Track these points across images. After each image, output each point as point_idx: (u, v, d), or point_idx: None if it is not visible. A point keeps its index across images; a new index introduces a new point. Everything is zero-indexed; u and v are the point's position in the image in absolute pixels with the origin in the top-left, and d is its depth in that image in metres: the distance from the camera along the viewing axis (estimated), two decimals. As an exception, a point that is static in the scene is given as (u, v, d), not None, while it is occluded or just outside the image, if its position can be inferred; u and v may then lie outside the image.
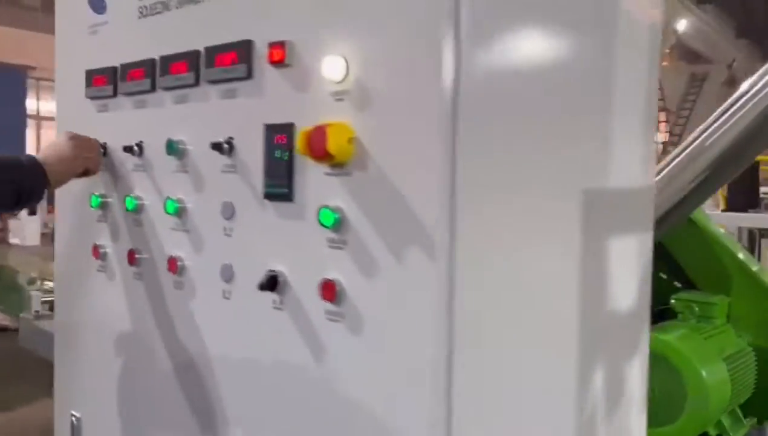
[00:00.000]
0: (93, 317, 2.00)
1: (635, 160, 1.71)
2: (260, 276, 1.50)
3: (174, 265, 1.70)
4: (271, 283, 1.44)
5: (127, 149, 1.81)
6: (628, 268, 1.70)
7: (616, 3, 1.61)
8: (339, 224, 1.32)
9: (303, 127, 1.38)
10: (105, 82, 1.93)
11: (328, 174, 1.36)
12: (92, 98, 1.99)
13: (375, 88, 1.28)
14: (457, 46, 1.19)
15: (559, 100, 1.46)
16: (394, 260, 1.25)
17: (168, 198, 1.70)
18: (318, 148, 1.29)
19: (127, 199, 1.83)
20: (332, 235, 1.35)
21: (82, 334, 2.04)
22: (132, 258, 1.84)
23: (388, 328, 1.27)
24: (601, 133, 1.58)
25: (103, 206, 1.96)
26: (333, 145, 1.27)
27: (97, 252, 1.96)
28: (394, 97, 1.25)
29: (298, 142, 1.33)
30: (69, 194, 2.05)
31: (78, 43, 2.05)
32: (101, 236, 1.98)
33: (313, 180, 1.39)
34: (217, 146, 1.55)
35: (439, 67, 1.18)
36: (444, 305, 1.20)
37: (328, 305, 1.35)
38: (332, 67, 1.32)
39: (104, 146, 1.95)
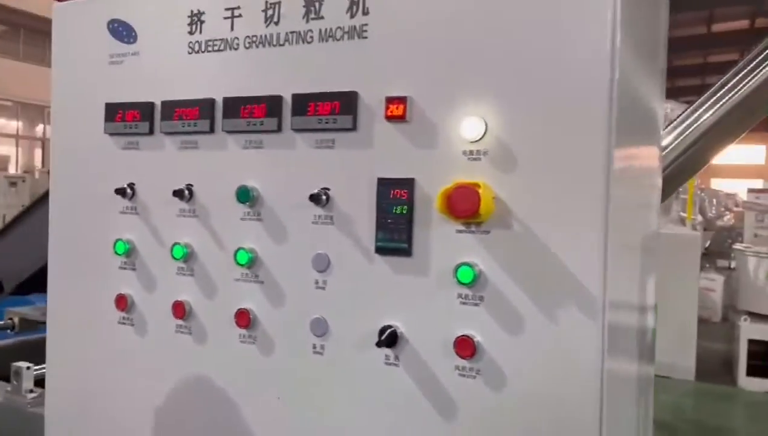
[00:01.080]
0: (116, 380, 1.81)
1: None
2: (364, 331, 1.48)
3: (244, 318, 1.60)
4: (391, 338, 1.42)
5: (178, 194, 1.68)
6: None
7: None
8: (475, 281, 1.35)
9: (424, 183, 1.41)
10: (137, 117, 1.78)
11: (461, 232, 1.38)
12: (115, 134, 1.82)
13: (521, 150, 1.33)
14: (610, 118, 1.27)
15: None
16: (545, 318, 1.30)
17: (240, 248, 1.60)
18: (465, 208, 1.31)
19: (176, 247, 1.69)
20: (466, 291, 1.37)
21: (97, 406, 1.84)
22: (180, 311, 1.70)
23: (538, 384, 1.31)
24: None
25: (131, 253, 1.79)
26: (484, 205, 1.30)
27: (124, 303, 1.79)
28: (546, 159, 1.30)
29: (438, 201, 1.34)
30: (71, 238, 1.85)
31: (92, 73, 1.86)
32: (127, 284, 1.80)
33: (438, 237, 1.40)
34: (315, 198, 1.50)
35: (603, 135, 1.26)
36: (600, 362, 1.28)
37: (461, 361, 1.37)
38: (471, 127, 1.35)
39: (131, 187, 1.79)
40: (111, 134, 1.83)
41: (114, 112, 1.82)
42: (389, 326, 1.43)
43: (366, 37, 1.48)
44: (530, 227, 1.32)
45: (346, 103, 1.49)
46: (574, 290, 1.28)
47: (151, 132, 1.77)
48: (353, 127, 1.49)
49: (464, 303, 1.38)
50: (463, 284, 1.35)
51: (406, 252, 1.43)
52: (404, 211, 1.43)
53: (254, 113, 1.61)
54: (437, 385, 1.40)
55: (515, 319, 1.33)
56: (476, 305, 1.37)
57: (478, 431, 1.37)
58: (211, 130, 1.68)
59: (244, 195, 1.60)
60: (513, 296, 1.33)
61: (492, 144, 1.35)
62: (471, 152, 1.37)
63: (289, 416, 1.57)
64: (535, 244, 1.31)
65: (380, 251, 1.46)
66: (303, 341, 1.55)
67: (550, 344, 1.30)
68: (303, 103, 1.54)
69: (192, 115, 1.70)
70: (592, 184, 1.27)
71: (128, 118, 1.80)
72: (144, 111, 1.77)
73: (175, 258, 1.70)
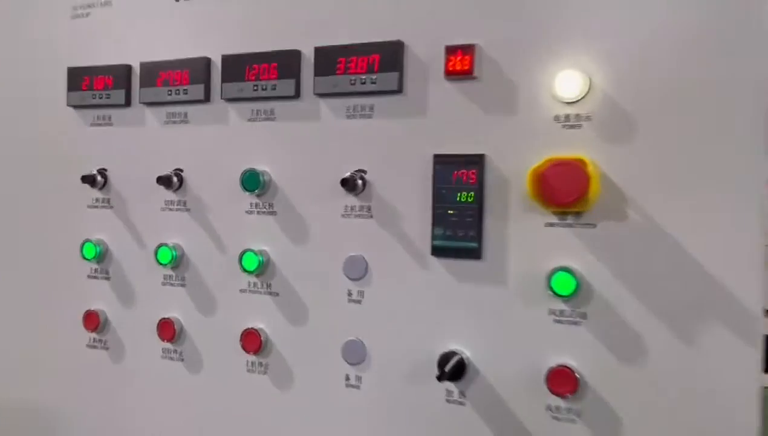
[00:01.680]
0: (84, 417, 1.43)
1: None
2: (416, 359, 1.12)
3: (253, 340, 1.23)
4: (456, 369, 1.06)
5: (164, 181, 1.30)
6: None
7: None
8: (576, 292, 0.99)
9: (499, 161, 1.05)
10: (109, 84, 1.39)
11: (553, 225, 1.02)
12: (80, 106, 1.43)
13: (640, 113, 0.97)
14: None
15: None
16: (677, 341, 0.95)
17: (247, 250, 1.23)
18: (569, 192, 0.96)
19: (161, 249, 1.31)
20: (562, 305, 1.02)
21: None
22: (168, 331, 1.32)
23: (666, 432, 0.96)
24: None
25: (103, 257, 1.41)
26: (594, 187, 0.95)
27: (94, 321, 1.40)
28: (679, 126, 0.95)
29: (529, 182, 0.98)
30: (23, 238, 1.47)
31: (50, 29, 1.47)
32: (99, 298, 1.42)
33: (521, 232, 1.05)
34: (347, 183, 1.13)
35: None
36: (759, 400, 0.93)
37: (556, 400, 1.02)
38: (569, 84, 0.99)
39: (102, 173, 1.41)
40: (75, 107, 1.44)
41: (78, 78, 1.43)
42: (453, 353, 1.07)
43: (415, -29, 1.12)
44: (654, 220, 0.96)
45: (388, 57, 1.13)
46: (720, 304, 0.93)
47: (127, 103, 1.38)
48: (398, 89, 1.12)
49: (559, 321, 1.02)
50: (560, 295, 1.00)
51: (475, 253, 1.07)
52: (471, 199, 1.07)
53: (263, 74, 1.24)
54: (521, 431, 1.05)
55: (632, 342, 0.98)
56: (576, 323, 1.01)
57: (579, 493, 1.02)
58: (207, 98, 1.30)
59: (252, 181, 1.23)
60: (629, 311, 0.98)
61: (598, 106, 1.00)
62: (567, 117, 1.01)
63: (313, 468, 1.21)
64: (662, 243, 0.96)
65: (438, 252, 1.10)
66: (332, 371, 1.19)
67: (684, 375, 0.95)
68: (329, 59, 1.17)
69: (181, 80, 1.32)
70: (747, 152, 0.92)
71: (97, 85, 1.41)
72: (118, 76, 1.38)
73: (161, 263, 1.32)
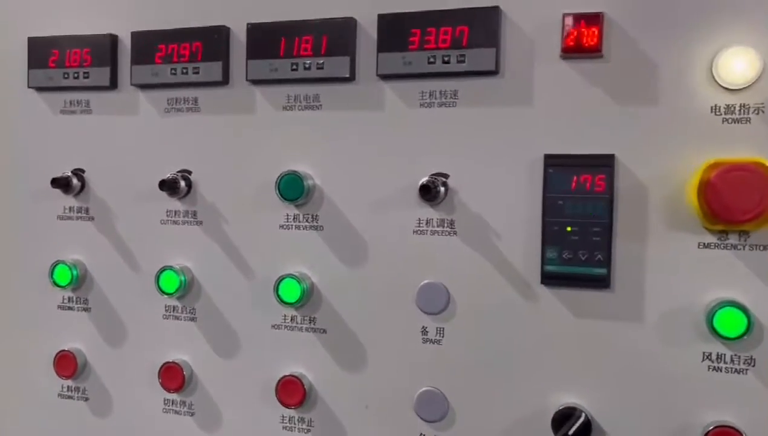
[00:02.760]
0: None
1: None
2: (521, 416, 0.87)
3: (294, 390, 0.96)
4: (582, 433, 0.83)
5: (169, 185, 1.00)
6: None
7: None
8: (747, 333, 0.78)
9: (634, 163, 0.82)
10: (87, 59, 1.08)
11: (708, 246, 0.80)
12: (46, 89, 1.11)
13: (832, 106, 0.76)
14: None
15: None
16: None
17: (286, 276, 0.95)
18: (750, 205, 0.73)
19: (165, 274, 1.01)
20: (723, 348, 0.80)
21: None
22: (174, 378, 1.03)
23: None
24: None
25: (82, 283, 1.09)
26: (784, 200, 0.73)
27: (71, 366, 1.09)
28: None
29: (695, 193, 0.75)
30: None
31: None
32: (76, 336, 1.11)
33: (665, 255, 0.82)
34: (425, 190, 0.87)
35: None
36: None
37: (712, 468, 0.80)
38: (733, 65, 0.77)
39: (78, 175, 1.09)
40: (39, 89, 1.12)
41: (44, 51, 1.11)
42: (572, 410, 0.84)
43: None
44: None
45: (480, 27, 0.87)
46: None
47: (113, 85, 1.08)
48: (495, 70, 0.87)
49: (718, 369, 0.80)
50: (723, 337, 0.78)
51: (603, 282, 0.84)
52: (600, 213, 0.83)
53: (303, 48, 0.96)
54: (663, 507, 0.83)
55: (818, 397, 0.77)
56: (741, 371, 0.80)
57: None
58: (225, 80, 1.01)
59: (293, 186, 0.95)
60: (814, 357, 0.77)
61: (773, 94, 0.78)
62: (731, 109, 0.79)
63: None
64: None
65: (552, 279, 0.85)
66: (404, 432, 0.93)
67: None
68: (397, 30, 0.90)
69: (188, 54, 1.02)
70: None
71: (71, 60, 1.09)
72: (98, 48, 1.07)
73: (163, 292, 1.02)
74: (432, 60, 0.89)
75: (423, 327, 0.92)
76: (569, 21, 0.83)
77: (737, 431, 0.78)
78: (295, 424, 0.99)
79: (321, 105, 0.97)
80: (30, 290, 1.13)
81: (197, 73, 1.01)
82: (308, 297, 0.97)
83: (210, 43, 1.00)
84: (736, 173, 0.75)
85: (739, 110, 0.79)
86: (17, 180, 1.14)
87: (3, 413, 1.16)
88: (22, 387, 1.15)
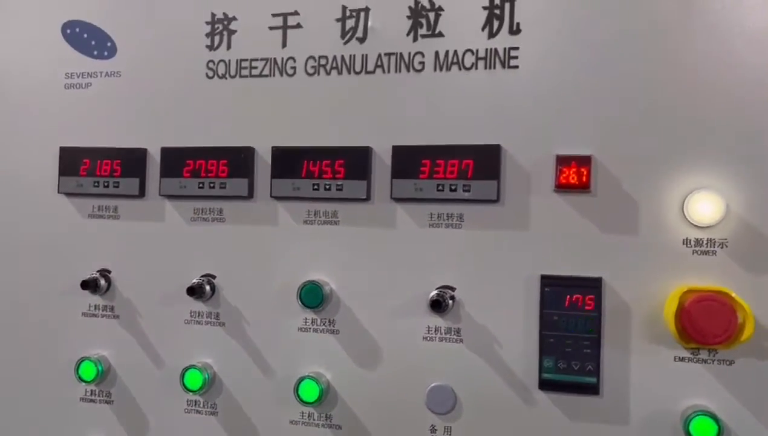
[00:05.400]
0: None
1: None
2: (516, 505, 0.97)
3: (311, 485, 1.05)
4: None
5: (195, 291, 1.09)
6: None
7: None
8: (716, 437, 0.90)
9: (619, 285, 0.95)
10: (117, 169, 1.16)
11: (683, 360, 0.92)
12: (76, 194, 1.19)
13: (783, 244, 0.90)
14: None
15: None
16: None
17: (305, 378, 1.04)
18: (718, 330, 0.86)
19: (191, 372, 1.09)
20: (697, 451, 0.92)
21: None
22: (196, 471, 1.10)
23: None
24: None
25: (105, 378, 1.16)
26: (749, 326, 0.86)
27: (92, 456, 1.15)
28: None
29: (669, 320, 0.88)
30: None
31: (29, 99, 1.22)
32: (98, 428, 1.17)
33: (646, 367, 0.94)
34: (434, 303, 0.98)
35: None
36: None
37: None
38: (703, 206, 0.91)
39: (105, 276, 1.17)
40: (69, 194, 1.21)
41: (76, 159, 1.19)
42: (569, 503, 0.95)
43: (516, 66, 1.01)
44: (801, 357, 0.90)
45: (483, 161, 1.00)
46: None
47: (141, 193, 1.17)
48: (496, 199, 1.00)
49: (695, 469, 0.92)
50: (700, 442, 0.90)
51: (593, 389, 0.95)
52: (590, 328, 0.95)
53: (322, 171, 1.07)
54: None
55: (778, 494, 0.90)
56: (715, 472, 0.92)
57: None
58: (250, 194, 1.11)
59: (313, 295, 1.05)
60: (774, 459, 0.90)
61: (735, 231, 0.92)
62: (699, 242, 0.93)
63: None
64: (810, 381, 0.89)
65: (548, 385, 0.97)
66: None
67: None
68: (412, 160, 1.03)
69: (216, 170, 1.13)
70: None
71: (101, 169, 1.18)
72: (128, 159, 1.17)
73: (187, 389, 1.10)
74: (441, 188, 1.02)
75: (432, 426, 1.02)
76: (563, 161, 0.97)
77: None
78: None
79: (339, 221, 1.08)
80: (47, 383, 1.19)
81: (224, 187, 1.12)
82: (325, 396, 1.06)
83: (236, 161, 1.11)
84: (707, 303, 0.88)
85: (707, 244, 0.92)
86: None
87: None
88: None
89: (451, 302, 1.01)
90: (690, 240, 0.93)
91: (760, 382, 0.90)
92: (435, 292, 1.00)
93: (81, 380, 1.15)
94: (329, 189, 1.07)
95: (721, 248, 0.92)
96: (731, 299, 0.87)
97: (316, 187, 1.07)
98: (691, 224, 0.92)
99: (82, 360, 1.16)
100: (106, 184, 1.17)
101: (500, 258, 1.00)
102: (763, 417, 0.90)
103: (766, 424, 0.90)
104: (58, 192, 1.20)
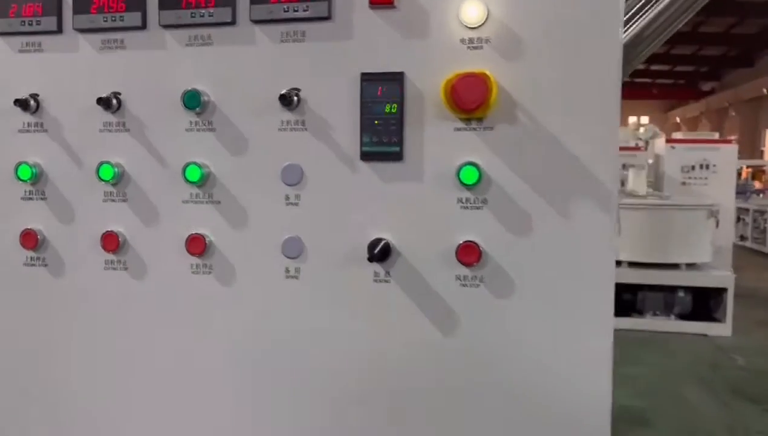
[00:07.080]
0: (28, 338, 1.50)
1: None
2: (347, 249, 1.32)
3: (198, 244, 1.38)
4: (383, 252, 1.28)
5: (104, 102, 1.39)
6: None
7: None
8: (479, 182, 1.24)
9: (416, 77, 1.26)
10: (38, 11, 1.44)
11: (460, 130, 1.25)
12: (6, 33, 1.47)
13: (528, 36, 1.21)
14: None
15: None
16: (555, 215, 1.22)
17: (190, 163, 1.36)
18: (473, 98, 1.19)
19: (103, 167, 1.41)
20: (467, 194, 1.26)
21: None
22: (112, 243, 1.43)
23: (547, 285, 1.24)
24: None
25: (39, 179, 1.47)
26: (495, 94, 1.18)
27: (32, 239, 1.47)
28: (556, 46, 1.20)
29: (443, 92, 1.20)
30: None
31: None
32: (35, 217, 1.49)
33: (434, 137, 1.27)
34: (284, 99, 1.30)
35: (617, 21, 1.18)
36: (612, 255, 1.23)
37: (463, 270, 1.26)
38: (472, 12, 1.22)
39: (35, 98, 1.47)
40: (2, 34, 1.48)
41: (5, 4, 1.47)
42: (379, 239, 1.29)
43: None
44: (538, 120, 1.22)
45: (318, -12, 1.30)
46: (586, 183, 1.21)
47: (59, 30, 1.45)
48: (328, 16, 1.30)
49: (465, 208, 1.26)
50: (466, 185, 1.24)
51: (397, 156, 1.28)
52: (394, 110, 1.28)
53: (201, 2, 1.36)
54: (436, 298, 1.28)
55: (522, 219, 1.24)
56: (479, 208, 1.26)
57: (480, 344, 1.28)
58: (143, 25, 1.40)
59: (193, 100, 1.36)
60: (520, 195, 1.24)
61: (496, 31, 1.23)
62: (471, 40, 1.24)
63: (255, 350, 1.38)
64: (544, 138, 1.22)
65: (367, 156, 1.30)
66: (273, 266, 1.36)
67: (560, 241, 1.23)
68: (265, -11, 1.33)
69: (117, 7, 1.41)
70: (605, 69, 1.20)
71: (26, 12, 1.46)
72: (47, 3, 1.45)
73: (102, 180, 1.42)
74: (286, 9, 1.31)
75: (286, 195, 1.35)
76: (374, -16, 1.27)
77: (475, 244, 1.24)
78: (200, 269, 1.41)
79: (213, 42, 1.37)
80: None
81: (122, 20, 1.40)
82: (206, 179, 1.38)
83: (132, -2, 1.39)
84: (468, 79, 1.20)
85: (476, 41, 1.24)
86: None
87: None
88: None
89: (296, 99, 1.32)
90: (465, 39, 1.25)
91: (511, 141, 1.24)
92: (284, 90, 1.32)
93: (19, 179, 1.47)
94: (203, 16, 1.36)
95: (487, 42, 1.24)
96: (485, 76, 1.19)
97: (192, 15, 1.37)
98: (465, 26, 1.24)
99: (19, 164, 1.46)
100: (30, 23, 1.45)
101: (334, 64, 1.31)
102: (512, 166, 1.24)
103: (513, 170, 1.24)
104: (-6, 32, 1.48)
